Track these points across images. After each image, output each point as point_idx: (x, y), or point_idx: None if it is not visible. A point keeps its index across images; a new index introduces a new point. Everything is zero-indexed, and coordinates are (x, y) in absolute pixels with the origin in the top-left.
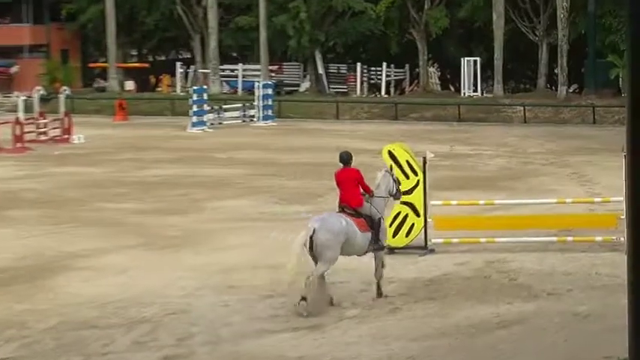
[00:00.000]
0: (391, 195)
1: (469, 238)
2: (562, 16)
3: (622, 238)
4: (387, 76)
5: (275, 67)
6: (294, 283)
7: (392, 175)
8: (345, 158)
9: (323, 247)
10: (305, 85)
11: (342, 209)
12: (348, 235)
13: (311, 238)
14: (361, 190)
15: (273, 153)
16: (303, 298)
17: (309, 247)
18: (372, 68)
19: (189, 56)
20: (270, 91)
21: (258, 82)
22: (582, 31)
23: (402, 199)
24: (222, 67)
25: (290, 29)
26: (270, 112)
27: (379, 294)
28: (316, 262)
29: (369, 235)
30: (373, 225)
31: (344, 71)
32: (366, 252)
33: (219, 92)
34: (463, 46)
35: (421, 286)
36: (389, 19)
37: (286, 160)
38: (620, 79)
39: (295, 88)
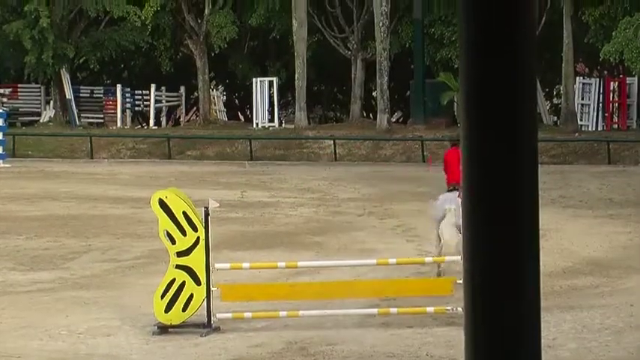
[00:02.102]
0: None
1: (266, 311)
2: (381, 24)
3: (459, 308)
4: (158, 101)
5: (7, 91)
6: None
7: None
8: (457, 138)
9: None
10: (48, 113)
11: (453, 187)
12: None
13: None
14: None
15: (4, 204)
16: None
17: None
18: (138, 92)
19: None
20: (1, 121)
21: None
22: (407, 43)
23: (177, 263)
24: None
25: (27, 41)
26: (0, 150)
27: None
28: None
29: None
30: None
31: (99, 95)
32: None
33: None
34: (255, 62)
35: None
36: (158, 27)
37: (22, 213)
38: (455, 104)
39: (35, 118)
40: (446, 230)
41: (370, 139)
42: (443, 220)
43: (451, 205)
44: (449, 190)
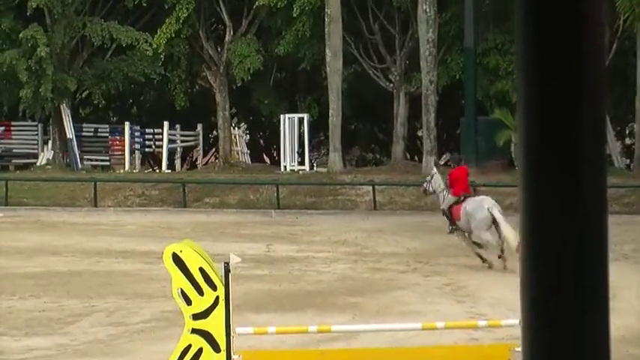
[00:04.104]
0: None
1: None
2: (427, 53)
3: None
4: (171, 141)
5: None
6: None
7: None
8: (458, 159)
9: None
10: (46, 155)
11: (465, 197)
12: None
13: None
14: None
15: (9, 259)
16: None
17: (493, 220)
18: (149, 130)
19: None
20: None
21: None
22: (457, 75)
23: (193, 327)
24: None
25: (22, 72)
26: None
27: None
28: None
29: None
30: None
31: (105, 134)
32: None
33: None
34: (283, 97)
35: None
36: (172, 57)
37: (16, 269)
38: (513, 145)
39: (31, 161)
40: (504, 228)
41: (415, 184)
42: (488, 222)
43: (486, 203)
44: (461, 201)
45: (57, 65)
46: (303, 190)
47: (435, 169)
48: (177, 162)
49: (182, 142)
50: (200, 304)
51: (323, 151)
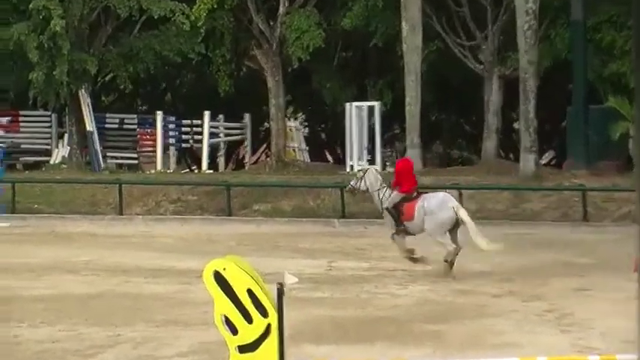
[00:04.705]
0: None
1: None
2: (526, 27)
3: None
4: (213, 135)
5: (5, 120)
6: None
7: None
8: (402, 148)
9: None
10: (61, 152)
11: (418, 193)
12: None
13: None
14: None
15: (2, 278)
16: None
17: (456, 222)
18: (185, 121)
19: None
20: None
21: None
22: (562, 55)
23: None
24: None
25: (33, 51)
26: None
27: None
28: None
29: None
30: None
31: (132, 127)
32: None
33: None
34: (349, 81)
35: None
36: (214, 32)
37: (25, 291)
38: (631, 140)
39: (43, 158)
40: (474, 232)
41: (511, 188)
42: (451, 224)
43: (450, 201)
44: (413, 198)
45: (74, 42)
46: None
47: (366, 165)
48: (221, 160)
49: (226, 136)
50: (248, 333)
51: (398, 148)
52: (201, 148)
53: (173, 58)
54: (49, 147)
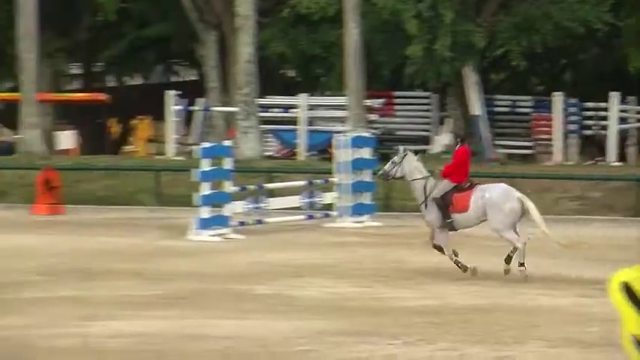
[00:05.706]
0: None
1: None
2: None
3: None
4: (622, 121)
5: (378, 102)
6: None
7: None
8: (462, 136)
9: None
10: (443, 140)
11: (472, 184)
12: None
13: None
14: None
15: (390, 287)
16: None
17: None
18: (589, 104)
19: (194, 78)
20: (367, 152)
21: (344, 133)
22: None
23: None
24: (264, 100)
25: (411, 21)
26: (366, 199)
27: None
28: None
29: None
30: None
31: (526, 110)
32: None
33: (258, 155)
34: None
35: None
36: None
37: (404, 302)
38: None
39: (422, 147)
40: (542, 224)
41: None
42: (517, 216)
43: (514, 191)
44: (465, 188)
45: (459, 11)
46: None
47: (403, 149)
48: (630, 151)
49: (638, 121)
50: None
51: None
52: (606, 136)
53: (575, 28)
54: (428, 133)
